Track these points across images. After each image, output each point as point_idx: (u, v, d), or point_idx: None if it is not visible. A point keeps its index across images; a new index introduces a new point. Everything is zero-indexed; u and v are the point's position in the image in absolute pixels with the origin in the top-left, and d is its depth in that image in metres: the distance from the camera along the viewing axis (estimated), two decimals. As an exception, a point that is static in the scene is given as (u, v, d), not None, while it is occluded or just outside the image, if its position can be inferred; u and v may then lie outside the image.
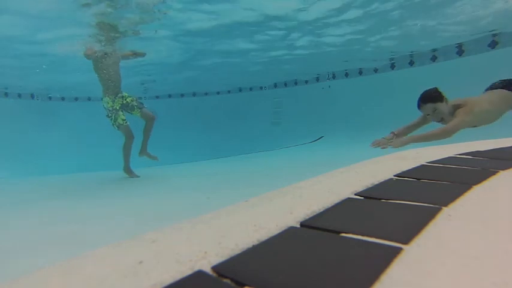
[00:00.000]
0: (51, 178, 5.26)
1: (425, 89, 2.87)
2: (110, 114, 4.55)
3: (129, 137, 4.63)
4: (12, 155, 7.40)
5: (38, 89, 9.67)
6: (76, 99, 10.46)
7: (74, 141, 8.72)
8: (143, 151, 4.82)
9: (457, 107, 2.79)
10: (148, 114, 4.79)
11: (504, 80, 3.00)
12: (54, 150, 8.09)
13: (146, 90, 10.88)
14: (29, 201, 3.56)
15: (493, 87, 3.05)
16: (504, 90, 2.90)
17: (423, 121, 3.07)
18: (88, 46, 5.01)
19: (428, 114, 2.86)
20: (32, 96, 9.86)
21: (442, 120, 2.82)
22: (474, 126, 2.90)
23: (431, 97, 2.80)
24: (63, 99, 10.47)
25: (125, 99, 4.67)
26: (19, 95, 9.55)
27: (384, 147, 2.83)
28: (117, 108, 4.55)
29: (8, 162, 6.95)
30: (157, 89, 10.87)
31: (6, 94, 9.23)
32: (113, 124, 4.58)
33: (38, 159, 7.49)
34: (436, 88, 2.87)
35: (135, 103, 4.70)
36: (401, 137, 2.87)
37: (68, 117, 9.36)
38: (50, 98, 10.20)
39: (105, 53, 4.68)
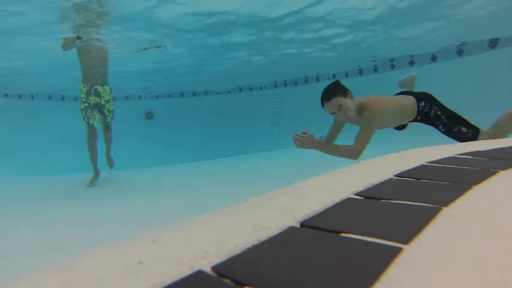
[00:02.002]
0: (52, 178, 5.25)
1: (326, 86, 2.57)
2: (83, 107, 4.34)
3: (92, 135, 4.42)
4: (13, 155, 7.40)
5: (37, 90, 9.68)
6: (76, 99, 10.47)
7: (75, 141, 8.71)
8: (109, 159, 4.68)
9: (363, 106, 2.52)
10: (107, 129, 4.54)
11: (414, 92, 2.84)
12: (55, 150, 8.09)
13: (148, 90, 10.88)
14: (29, 201, 3.56)
15: (403, 93, 2.88)
16: (413, 98, 2.72)
17: (336, 128, 2.86)
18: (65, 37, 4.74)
19: (334, 113, 2.53)
20: (32, 96, 9.85)
21: (349, 118, 2.53)
22: (378, 128, 2.70)
23: (334, 91, 2.49)
24: (63, 99, 10.47)
25: (103, 99, 4.40)
26: (19, 95, 9.54)
27: (297, 145, 2.62)
28: (91, 105, 4.32)
29: (8, 162, 6.95)
30: (157, 88, 10.87)
31: (6, 94, 9.23)
32: (83, 118, 4.36)
33: (38, 160, 7.49)
34: (338, 81, 2.60)
35: (110, 113, 4.47)
36: (317, 140, 2.62)
37: (68, 117, 9.35)
38: (50, 98, 10.20)
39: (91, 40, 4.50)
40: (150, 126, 10.85)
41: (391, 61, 8.09)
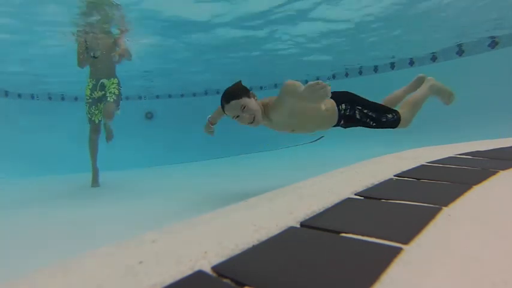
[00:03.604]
0: (52, 178, 5.26)
1: (227, 87, 2.38)
2: (87, 103, 4.22)
3: (94, 132, 4.27)
4: (12, 155, 7.40)
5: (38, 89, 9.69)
6: (76, 98, 10.47)
7: (75, 141, 8.72)
8: (107, 131, 4.49)
9: (270, 106, 2.36)
10: (108, 113, 4.18)
11: (334, 94, 2.63)
12: (55, 150, 8.10)
13: (148, 90, 10.88)
14: (29, 202, 3.56)
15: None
16: (332, 100, 2.54)
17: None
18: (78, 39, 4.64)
19: (237, 116, 2.29)
20: (32, 96, 9.86)
21: (254, 121, 2.30)
22: (292, 131, 2.59)
23: (236, 92, 2.27)
24: (63, 99, 10.48)
25: (108, 90, 4.20)
26: (19, 95, 9.55)
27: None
28: (95, 99, 4.18)
29: (8, 163, 6.96)
30: (158, 88, 10.87)
31: (6, 94, 9.23)
32: (87, 112, 4.22)
33: (37, 159, 7.49)
34: (239, 82, 2.37)
35: (112, 95, 4.17)
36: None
37: (68, 117, 9.37)
38: (50, 98, 10.21)
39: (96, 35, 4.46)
40: (150, 126, 10.84)
41: (391, 61, 8.11)
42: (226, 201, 0.82)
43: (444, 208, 0.67)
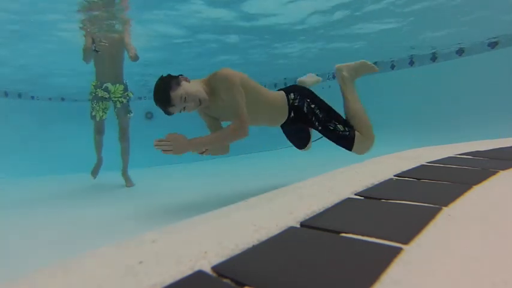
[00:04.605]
0: (52, 178, 5.25)
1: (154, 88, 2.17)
2: (90, 98, 4.17)
3: (98, 132, 4.22)
4: (12, 155, 7.40)
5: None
6: (75, 100, 10.47)
7: (75, 141, 8.72)
8: (126, 178, 4.40)
9: (212, 78, 2.16)
10: (123, 131, 4.21)
11: (283, 88, 2.54)
12: (55, 150, 8.09)
13: (148, 89, 10.86)
14: (29, 202, 3.56)
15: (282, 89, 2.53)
16: (281, 91, 2.43)
17: (212, 125, 2.52)
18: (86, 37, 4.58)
19: (183, 108, 2.16)
20: (32, 96, 9.86)
21: (201, 103, 2.15)
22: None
23: (165, 88, 2.07)
24: (63, 99, 10.48)
25: (112, 95, 4.14)
26: (19, 95, 9.55)
27: (166, 152, 2.28)
28: (98, 96, 4.11)
29: (8, 163, 6.96)
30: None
31: (6, 94, 9.23)
32: (91, 111, 4.17)
33: (37, 159, 7.49)
34: (168, 75, 2.16)
35: (119, 105, 4.13)
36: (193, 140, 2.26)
37: (68, 117, 9.37)
38: (50, 98, 10.21)
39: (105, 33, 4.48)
40: (150, 126, 10.84)
41: (391, 61, 8.12)
42: (226, 201, 0.82)
43: (444, 208, 0.67)
